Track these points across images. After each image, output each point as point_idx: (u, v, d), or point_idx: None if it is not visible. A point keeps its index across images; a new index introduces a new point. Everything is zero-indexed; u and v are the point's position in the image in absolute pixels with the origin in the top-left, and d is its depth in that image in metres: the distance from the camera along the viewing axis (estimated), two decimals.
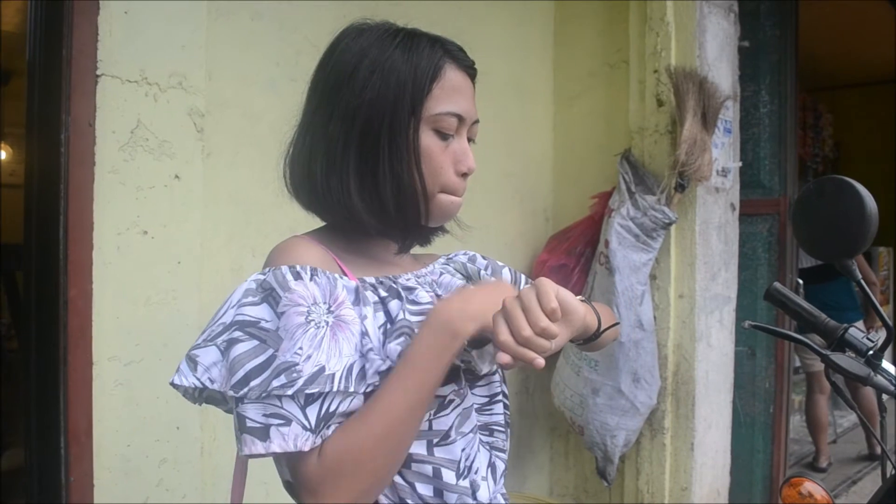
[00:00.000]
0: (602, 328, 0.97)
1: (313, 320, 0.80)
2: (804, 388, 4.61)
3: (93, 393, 1.65)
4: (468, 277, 1.06)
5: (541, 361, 0.79)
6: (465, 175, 0.96)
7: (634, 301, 2.44)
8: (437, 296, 0.97)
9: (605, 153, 2.81)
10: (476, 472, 0.92)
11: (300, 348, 0.78)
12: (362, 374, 0.82)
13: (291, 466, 0.80)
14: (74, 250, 1.64)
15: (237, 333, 0.80)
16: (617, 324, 1.02)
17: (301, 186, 0.96)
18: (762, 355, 3.00)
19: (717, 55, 2.64)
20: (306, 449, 0.77)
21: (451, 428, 0.91)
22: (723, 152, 2.64)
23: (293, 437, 0.77)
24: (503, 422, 1.00)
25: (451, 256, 1.10)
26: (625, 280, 2.43)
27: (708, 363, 2.61)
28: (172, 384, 0.84)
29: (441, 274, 1.03)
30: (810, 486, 1.30)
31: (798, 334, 1.29)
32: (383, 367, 0.83)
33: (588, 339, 0.97)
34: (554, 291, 0.81)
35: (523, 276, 1.16)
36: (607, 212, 2.56)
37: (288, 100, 2.03)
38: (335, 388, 0.79)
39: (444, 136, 0.93)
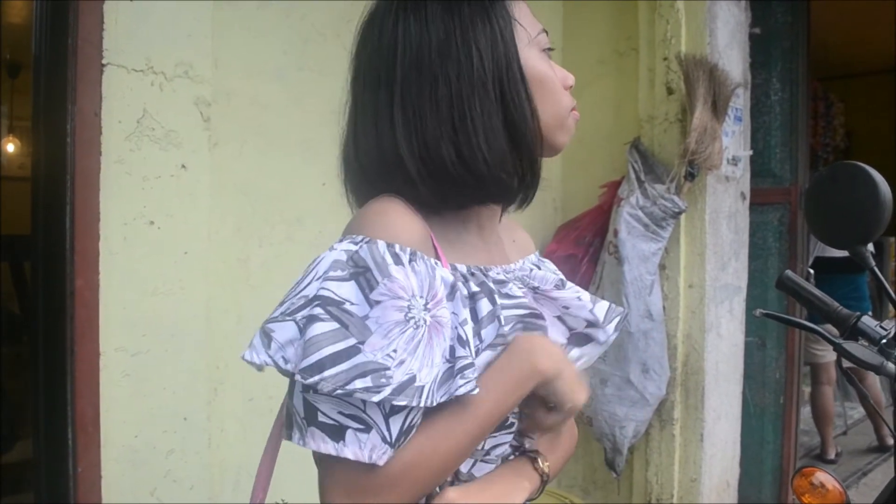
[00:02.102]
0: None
1: (413, 318, 0.71)
2: (811, 380, 4.58)
3: (100, 383, 1.66)
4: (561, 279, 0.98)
5: None
6: (570, 88, 0.92)
7: (644, 291, 2.42)
8: (534, 289, 0.89)
9: (614, 142, 2.79)
10: None
11: (394, 350, 0.69)
12: (444, 380, 0.73)
13: (334, 469, 0.72)
14: (81, 240, 1.63)
15: (318, 310, 0.70)
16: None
17: (389, 163, 0.82)
18: (772, 346, 2.98)
19: (728, 42, 2.61)
20: (381, 463, 0.69)
21: (495, 447, 0.85)
22: (733, 141, 2.62)
23: (370, 447, 0.69)
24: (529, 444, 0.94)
25: (540, 259, 1.03)
26: (634, 270, 2.41)
27: (718, 353, 2.60)
28: (244, 359, 0.73)
29: (532, 270, 0.94)
30: (822, 477, 1.29)
31: (809, 322, 1.28)
32: (474, 391, 0.73)
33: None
34: None
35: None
36: (616, 201, 2.55)
37: (295, 88, 2.05)
38: (422, 404, 0.70)
39: (548, 55, 0.88)
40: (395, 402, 0.68)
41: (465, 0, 0.82)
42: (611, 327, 0.92)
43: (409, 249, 0.74)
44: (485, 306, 0.79)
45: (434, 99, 0.80)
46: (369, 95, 0.84)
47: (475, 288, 0.80)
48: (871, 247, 1.27)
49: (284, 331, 0.71)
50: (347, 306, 0.70)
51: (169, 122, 1.76)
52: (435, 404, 0.71)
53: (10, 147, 5.44)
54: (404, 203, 0.80)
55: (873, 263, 1.18)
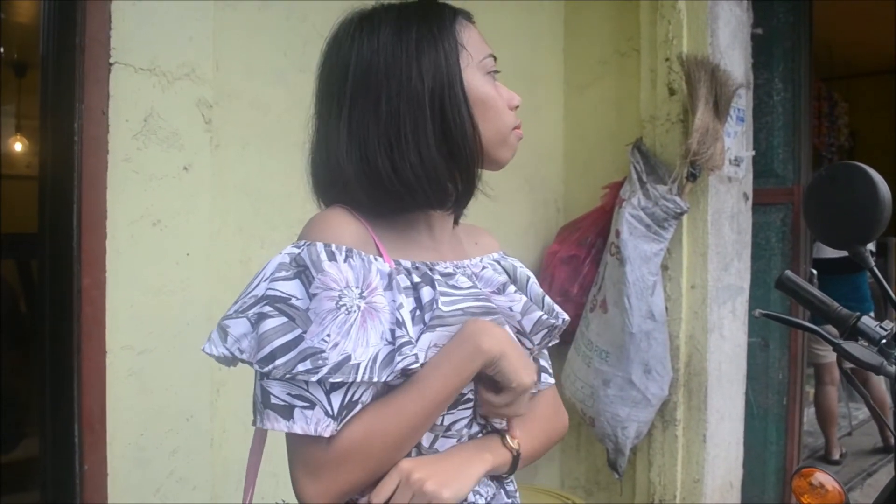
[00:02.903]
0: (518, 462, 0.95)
1: (344, 305, 0.80)
2: (814, 381, 4.57)
3: (106, 381, 1.66)
4: (514, 281, 1.04)
5: None
6: (515, 109, 0.99)
7: (646, 292, 2.43)
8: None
9: (616, 142, 2.79)
10: None
11: (328, 335, 0.79)
12: (387, 361, 0.82)
13: (295, 448, 0.82)
14: (88, 239, 1.64)
15: (267, 308, 0.81)
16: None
17: (334, 174, 0.92)
18: (775, 346, 2.98)
19: (730, 42, 2.62)
20: (327, 435, 0.79)
21: (458, 420, 0.91)
22: (735, 141, 2.62)
23: (315, 421, 0.79)
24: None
25: (504, 255, 1.09)
26: (636, 270, 2.42)
27: (720, 354, 2.60)
28: (204, 351, 0.85)
29: (484, 268, 1.01)
30: (822, 477, 1.29)
31: (810, 323, 1.28)
32: (415, 366, 0.83)
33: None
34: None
35: (535, 286, 1.09)
36: (618, 202, 2.55)
37: (296, 90, 2.05)
38: (359, 379, 0.79)
39: (492, 77, 0.96)
40: (331, 380, 0.78)
41: (415, 25, 0.91)
42: (536, 338, 0.98)
43: (344, 248, 0.84)
44: (427, 293, 0.88)
45: (376, 115, 0.89)
46: (323, 111, 0.95)
47: (417, 279, 0.89)
48: (872, 247, 1.28)
49: (238, 326, 0.83)
50: (293, 301, 0.81)
51: (173, 123, 1.76)
52: (379, 380, 0.81)
53: (18, 146, 5.46)
54: (346, 210, 0.90)
55: (872, 263, 1.19)
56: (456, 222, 1.06)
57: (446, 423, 0.89)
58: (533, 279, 1.07)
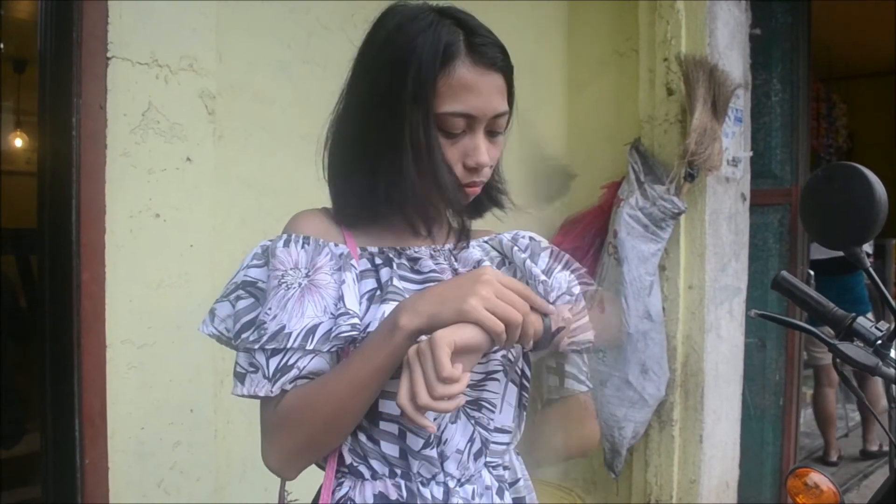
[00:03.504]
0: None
1: (285, 283, 0.90)
2: (813, 383, 4.59)
3: (107, 376, 1.66)
4: (503, 255, 1.04)
5: (451, 406, 0.78)
6: (473, 169, 0.93)
7: (643, 292, 2.43)
8: (454, 270, 0.99)
9: (614, 142, 2.79)
10: (446, 444, 0.92)
11: (269, 308, 0.89)
12: (327, 335, 0.89)
13: (262, 412, 0.92)
14: (87, 234, 1.64)
15: (240, 291, 0.95)
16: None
17: (329, 168, 1.02)
18: (772, 347, 2.98)
19: (728, 43, 2.62)
20: (261, 394, 0.88)
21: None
22: (733, 142, 2.63)
23: (255, 384, 0.89)
24: (497, 401, 0.97)
25: (497, 235, 1.08)
26: (633, 270, 2.42)
27: (717, 355, 2.60)
28: (199, 331, 0.98)
29: (466, 248, 1.02)
30: (816, 478, 1.29)
31: (806, 324, 1.29)
32: (350, 333, 0.88)
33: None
34: (450, 344, 0.77)
35: (565, 257, 1.09)
36: (616, 202, 2.56)
37: (299, 82, 2.06)
38: (290, 345, 0.87)
39: (450, 134, 0.92)
40: (268, 347, 0.87)
41: (402, 59, 0.89)
42: None
43: (301, 236, 0.94)
44: (385, 273, 0.95)
45: (345, 136, 0.98)
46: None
47: (379, 261, 0.96)
48: (869, 248, 1.28)
49: (223, 309, 0.96)
50: (259, 284, 0.94)
51: (174, 116, 1.76)
52: (319, 349, 0.88)
53: (18, 142, 5.46)
54: (319, 210, 1.01)
55: (868, 264, 1.19)
56: (469, 218, 1.05)
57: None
58: (535, 250, 1.06)
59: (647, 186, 2.44)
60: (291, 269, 0.91)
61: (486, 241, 1.06)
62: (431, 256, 0.99)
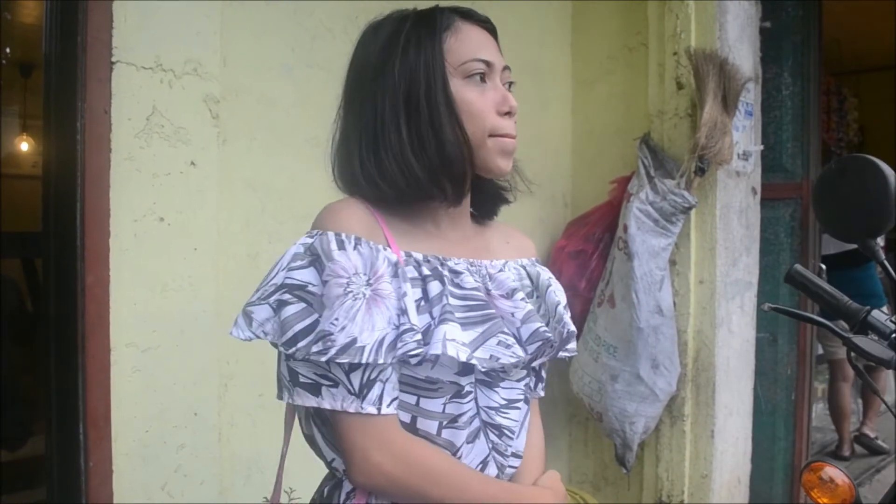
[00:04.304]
0: None
1: (351, 292, 0.86)
2: (826, 377, 4.56)
3: (111, 379, 1.66)
4: (536, 287, 1.08)
5: None
6: (508, 114, 0.99)
7: (653, 286, 2.41)
8: (487, 290, 0.99)
9: (624, 137, 2.78)
10: (461, 458, 0.96)
11: (336, 319, 0.85)
12: (392, 346, 0.87)
13: (342, 425, 0.89)
14: (91, 237, 1.64)
15: (286, 296, 0.88)
16: None
17: (345, 168, 1.00)
18: (784, 341, 2.96)
19: (738, 36, 2.60)
20: (351, 410, 0.86)
21: (462, 414, 0.94)
22: (744, 135, 2.60)
23: (341, 398, 0.87)
24: (517, 428, 1.02)
25: (535, 262, 1.12)
26: (644, 265, 2.40)
27: (729, 349, 2.58)
28: (231, 335, 0.91)
29: (501, 270, 1.04)
30: (831, 472, 1.28)
31: (819, 317, 1.27)
32: (417, 351, 0.87)
33: None
34: None
35: (555, 295, 1.12)
36: (626, 196, 2.54)
37: (303, 85, 2.05)
38: (364, 360, 0.85)
39: (477, 82, 0.97)
40: (339, 360, 0.85)
41: (405, 30, 0.96)
42: (531, 348, 1.00)
43: (353, 236, 0.90)
44: (434, 287, 0.93)
45: (365, 115, 0.96)
46: (340, 109, 1.03)
47: (427, 272, 0.94)
48: (881, 242, 1.26)
49: (261, 312, 0.89)
50: (310, 288, 0.88)
51: (178, 119, 1.76)
52: (385, 363, 0.87)
53: (24, 146, 5.48)
54: (356, 201, 0.96)
55: (883, 257, 1.17)
56: (485, 219, 1.12)
57: (450, 412, 0.94)
58: (555, 287, 1.09)
59: (657, 181, 2.42)
60: (354, 275, 0.87)
61: (522, 267, 1.08)
62: (468, 271, 0.99)
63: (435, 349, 0.88)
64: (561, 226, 2.91)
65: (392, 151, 0.94)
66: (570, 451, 2.99)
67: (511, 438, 1.01)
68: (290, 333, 0.86)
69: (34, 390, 3.27)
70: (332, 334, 0.84)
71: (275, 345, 0.90)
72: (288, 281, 0.89)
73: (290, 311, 0.87)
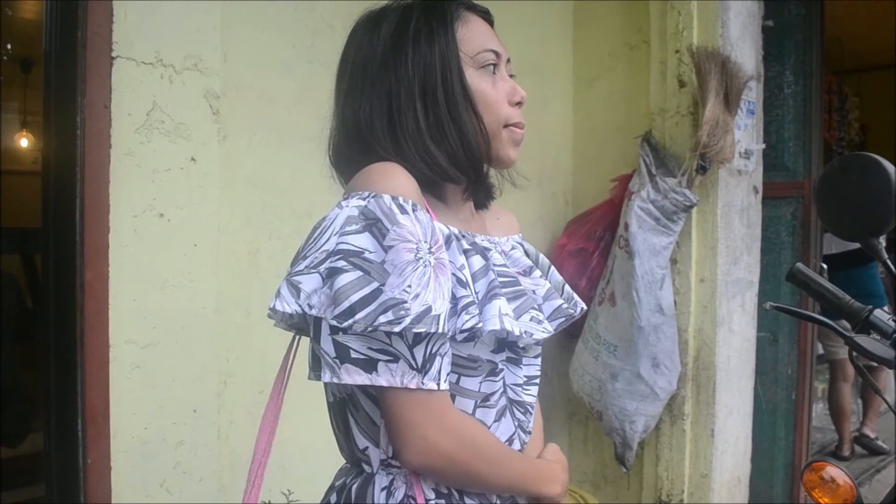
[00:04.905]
0: None
1: (422, 258, 0.81)
2: (827, 377, 4.56)
3: (110, 376, 1.66)
4: (537, 265, 1.08)
5: None
6: (518, 104, 1.00)
7: (654, 285, 2.41)
8: (505, 266, 1.00)
9: (625, 135, 2.77)
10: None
11: (409, 286, 0.79)
12: (449, 316, 0.84)
13: (398, 403, 0.83)
14: (91, 233, 1.64)
15: (341, 263, 0.80)
16: None
17: (354, 157, 0.97)
18: (784, 341, 2.95)
19: (740, 34, 2.59)
20: (412, 386, 0.81)
21: (493, 393, 0.94)
22: (745, 134, 2.60)
23: (401, 374, 0.81)
24: (535, 405, 1.03)
25: (524, 243, 1.12)
26: (645, 264, 2.40)
27: (729, 349, 2.58)
28: (272, 309, 0.84)
29: (513, 248, 1.05)
30: (833, 471, 1.27)
31: (821, 316, 1.26)
32: (477, 326, 0.85)
33: None
34: None
35: (555, 273, 1.14)
36: (627, 195, 2.53)
37: (304, 81, 2.05)
38: (440, 329, 0.80)
39: (489, 72, 0.97)
40: (415, 330, 0.79)
41: (413, 20, 0.95)
42: (554, 324, 1.01)
43: (411, 201, 0.84)
44: (477, 262, 0.91)
45: (375, 106, 0.94)
46: (338, 97, 1.01)
47: (467, 246, 0.92)
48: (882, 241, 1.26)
49: (310, 282, 0.81)
50: (367, 255, 0.80)
51: (178, 115, 1.76)
52: (448, 334, 0.83)
53: (24, 142, 5.47)
54: (403, 168, 0.90)
55: (886, 256, 1.17)
56: (478, 207, 1.09)
57: (484, 390, 0.93)
58: (553, 268, 1.11)
59: (658, 179, 2.42)
60: (421, 241, 0.82)
61: (520, 244, 1.09)
62: (493, 248, 1.00)
63: (493, 324, 0.85)
64: (562, 224, 2.90)
65: (412, 140, 0.93)
66: (570, 450, 2.99)
67: (531, 415, 1.02)
68: (345, 304, 0.78)
69: (34, 387, 3.28)
70: (405, 302, 0.78)
71: (321, 318, 0.81)
72: (342, 246, 0.81)
73: (345, 279, 0.79)
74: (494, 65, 0.98)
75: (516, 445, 0.99)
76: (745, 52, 2.61)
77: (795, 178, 2.95)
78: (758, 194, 2.72)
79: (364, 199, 0.84)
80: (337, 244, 0.81)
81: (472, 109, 0.95)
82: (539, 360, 1.03)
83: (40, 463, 1.96)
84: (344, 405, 0.93)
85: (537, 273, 1.03)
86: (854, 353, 1.16)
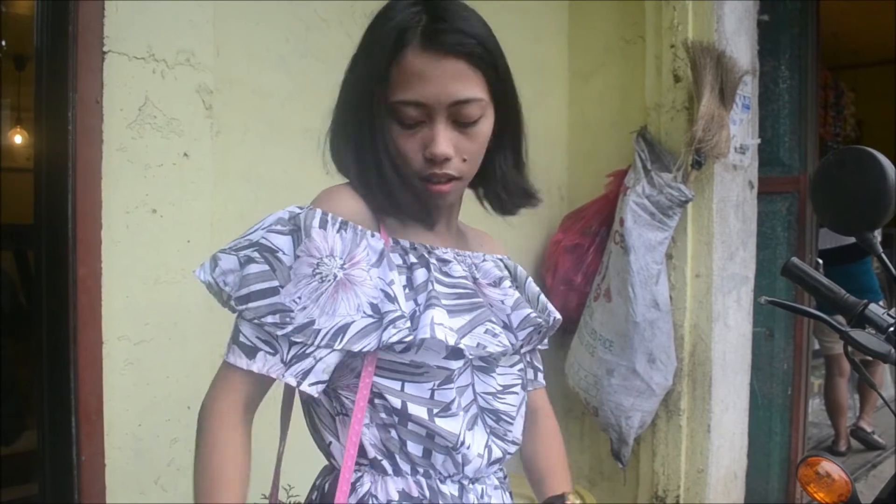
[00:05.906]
0: None
1: (320, 273, 0.86)
2: (823, 372, 4.57)
3: (103, 372, 1.65)
4: (514, 278, 1.08)
5: None
6: (431, 161, 0.91)
7: (650, 280, 2.40)
8: (474, 279, 0.99)
9: (620, 130, 2.77)
10: (468, 448, 0.94)
11: (299, 297, 0.85)
12: (365, 333, 0.87)
13: (229, 374, 0.88)
14: (83, 229, 1.62)
15: (255, 254, 0.87)
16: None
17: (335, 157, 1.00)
18: (780, 336, 2.96)
19: (736, 29, 2.58)
20: (273, 376, 0.86)
21: (452, 402, 0.92)
22: (741, 129, 2.59)
23: (271, 365, 0.86)
24: (514, 413, 1.01)
25: (504, 258, 1.11)
26: (640, 259, 2.39)
27: (725, 344, 2.58)
28: (194, 273, 0.91)
29: (484, 261, 1.03)
30: (828, 466, 1.27)
31: (816, 311, 1.26)
32: (405, 339, 0.86)
33: None
34: None
35: (533, 286, 1.13)
36: (623, 190, 2.53)
37: (298, 76, 2.04)
38: (317, 343, 0.85)
39: (406, 124, 0.90)
40: (294, 339, 0.85)
41: (367, 35, 0.94)
42: (521, 334, 1.01)
43: (339, 219, 0.89)
44: (420, 275, 0.92)
45: (342, 122, 0.97)
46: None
47: (413, 259, 0.94)
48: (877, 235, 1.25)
49: (228, 262, 0.89)
50: (280, 255, 0.87)
51: (171, 110, 1.74)
52: (349, 349, 0.86)
53: (18, 139, 5.45)
54: (352, 188, 0.94)
55: (881, 250, 1.16)
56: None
57: (440, 398, 0.92)
58: (531, 279, 1.11)
59: (653, 174, 2.41)
60: (327, 256, 0.86)
61: (500, 260, 1.08)
62: (455, 260, 0.98)
63: (423, 333, 0.86)
64: (557, 219, 2.90)
65: (356, 161, 0.95)
66: (566, 446, 2.97)
67: (510, 423, 1.00)
68: (244, 290, 0.86)
69: (29, 384, 3.27)
70: (291, 311, 0.85)
71: (229, 296, 0.88)
72: (262, 241, 0.87)
73: (253, 269, 0.86)
74: (412, 117, 0.90)
75: (495, 454, 0.98)
76: (741, 46, 2.61)
77: (791, 174, 2.96)
78: (753, 189, 2.72)
79: (301, 209, 0.90)
80: (260, 238, 0.88)
81: (387, 154, 0.92)
82: (516, 369, 1.03)
83: (35, 460, 1.95)
84: (309, 401, 0.97)
85: (507, 283, 1.03)
86: (849, 348, 1.16)
